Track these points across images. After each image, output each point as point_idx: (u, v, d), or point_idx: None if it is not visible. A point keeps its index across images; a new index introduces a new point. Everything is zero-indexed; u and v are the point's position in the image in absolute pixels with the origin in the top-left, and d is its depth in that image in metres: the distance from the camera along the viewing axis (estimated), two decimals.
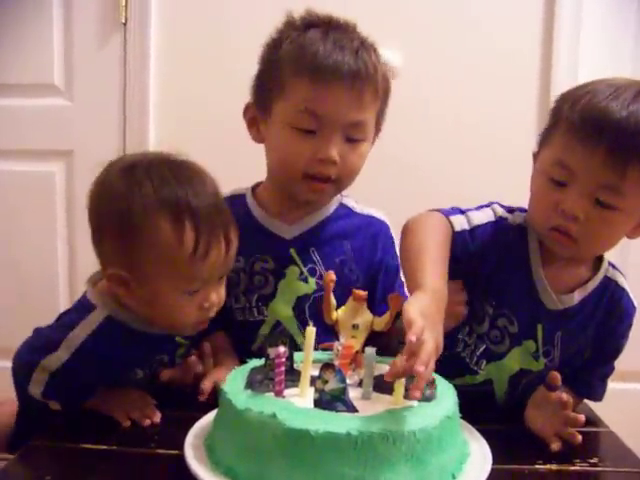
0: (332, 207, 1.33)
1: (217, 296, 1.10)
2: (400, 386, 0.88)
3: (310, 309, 1.25)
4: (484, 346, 1.17)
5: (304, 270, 1.28)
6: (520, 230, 1.16)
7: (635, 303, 1.19)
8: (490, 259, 1.14)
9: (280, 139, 1.22)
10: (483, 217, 1.16)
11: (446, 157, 2.17)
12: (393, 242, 1.35)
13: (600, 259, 1.17)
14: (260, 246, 1.28)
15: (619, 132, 0.98)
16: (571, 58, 2.14)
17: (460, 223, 1.13)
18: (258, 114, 1.28)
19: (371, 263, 1.33)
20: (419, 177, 2.17)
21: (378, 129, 1.29)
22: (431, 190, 2.12)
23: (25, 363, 1.10)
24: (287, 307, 1.27)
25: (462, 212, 1.16)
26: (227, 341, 1.32)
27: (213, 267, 1.04)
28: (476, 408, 0.99)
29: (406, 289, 1.33)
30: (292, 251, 1.28)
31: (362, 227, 1.34)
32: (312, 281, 1.28)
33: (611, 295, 1.17)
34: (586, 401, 1.25)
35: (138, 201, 1.01)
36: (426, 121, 2.18)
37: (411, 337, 0.81)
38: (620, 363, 2.12)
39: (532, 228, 1.15)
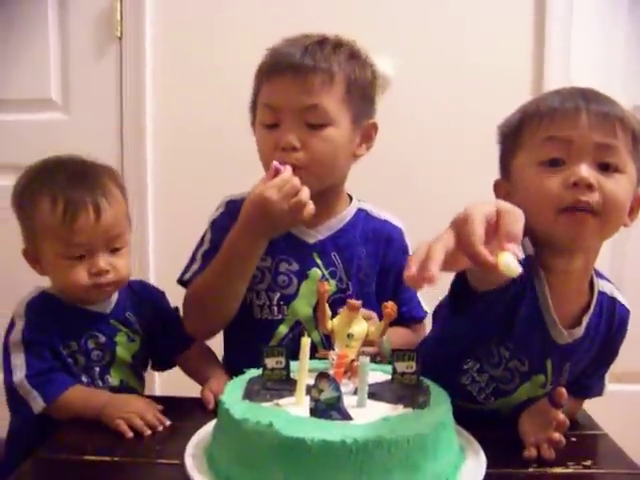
0: (352, 212, 1.40)
1: (106, 263, 1.23)
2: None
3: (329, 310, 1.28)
4: (494, 385, 1.15)
5: (325, 272, 1.34)
6: (527, 262, 1.07)
7: (627, 305, 1.19)
8: (513, 298, 1.07)
9: (257, 139, 1.33)
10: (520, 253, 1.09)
11: (444, 159, 2.20)
12: (407, 248, 1.41)
13: (591, 279, 1.14)
14: (285, 249, 1.34)
15: (600, 100, 1.03)
16: (564, 58, 2.18)
17: None
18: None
19: (383, 266, 1.39)
20: (416, 179, 2.20)
21: (361, 120, 1.32)
22: (429, 191, 2.16)
23: (4, 351, 1.24)
24: (307, 307, 1.32)
25: None
26: (205, 350, 1.39)
27: (85, 232, 1.20)
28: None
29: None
30: (315, 255, 1.34)
31: (377, 231, 1.40)
32: (333, 283, 1.33)
33: (607, 310, 1.16)
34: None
35: (28, 191, 1.26)
36: (423, 124, 2.22)
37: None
38: (616, 365, 2.14)
39: (535, 232, 1.06)
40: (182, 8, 2.25)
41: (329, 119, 1.26)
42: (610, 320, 1.16)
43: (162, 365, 1.45)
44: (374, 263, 1.37)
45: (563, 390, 1.03)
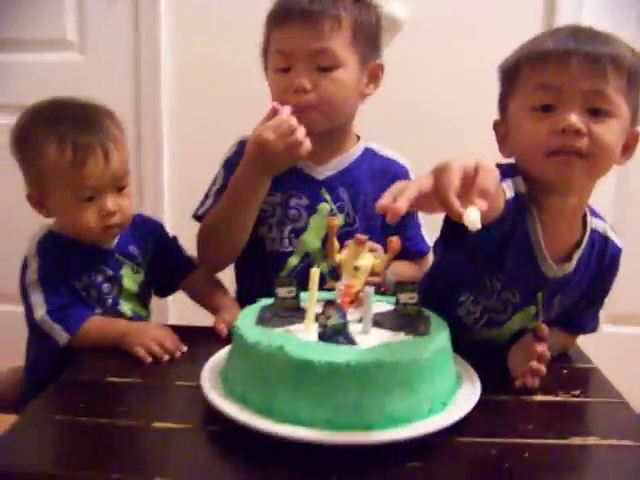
0: (359, 151, 1.46)
1: (114, 205, 1.27)
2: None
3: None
4: (488, 315, 1.21)
5: (334, 207, 1.41)
6: (521, 200, 1.13)
7: (619, 244, 1.23)
8: (504, 234, 1.13)
9: (270, 83, 1.38)
10: (508, 190, 1.10)
11: (453, 100, 2.21)
12: None
13: (584, 216, 1.19)
14: (295, 185, 1.41)
15: (594, 40, 1.06)
16: None
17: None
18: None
19: None
20: (425, 120, 2.22)
21: (369, 61, 1.37)
22: (437, 132, 2.19)
23: (22, 290, 1.30)
24: (317, 240, 1.39)
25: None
26: (210, 276, 1.47)
27: (94, 175, 1.24)
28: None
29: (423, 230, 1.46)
30: (323, 190, 1.41)
31: (384, 169, 1.46)
32: (340, 217, 1.40)
33: (598, 246, 1.20)
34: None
35: (32, 136, 1.26)
36: (432, 67, 2.23)
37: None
38: (614, 307, 2.20)
39: (529, 173, 1.11)
40: None
41: (338, 62, 1.31)
42: (601, 257, 1.21)
43: (165, 291, 1.52)
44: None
45: (544, 326, 1.10)
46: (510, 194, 1.06)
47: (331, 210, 1.40)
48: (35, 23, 2.29)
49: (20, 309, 1.32)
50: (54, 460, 0.87)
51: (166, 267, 1.45)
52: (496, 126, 1.20)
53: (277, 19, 1.34)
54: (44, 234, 1.33)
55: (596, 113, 1.04)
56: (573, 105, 1.04)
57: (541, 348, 1.08)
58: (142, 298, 1.43)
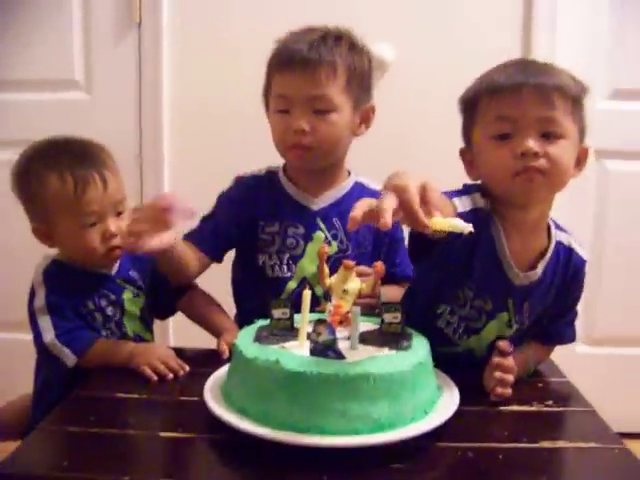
0: (350, 185, 1.58)
1: (116, 227, 1.37)
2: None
3: (332, 267, 1.38)
4: (464, 324, 1.31)
5: (328, 235, 1.52)
6: (485, 215, 1.25)
7: (583, 255, 1.33)
8: (466, 247, 1.24)
9: (271, 123, 1.50)
10: (463, 205, 1.23)
11: (438, 137, 2.28)
12: None
13: (549, 227, 1.30)
14: (292, 215, 1.52)
15: (540, 73, 1.19)
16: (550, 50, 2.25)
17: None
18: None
19: (378, 231, 1.49)
20: (417, 161, 2.30)
21: (361, 105, 1.49)
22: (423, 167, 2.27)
23: (30, 316, 1.37)
24: (313, 265, 1.49)
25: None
26: (209, 298, 1.57)
27: (96, 201, 1.34)
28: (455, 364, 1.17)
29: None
30: (318, 220, 1.52)
31: None
32: (334, 244, 1.52)
33: (563, 257, 1.30)
34: (553, 356, 1.41)
35: (34, 172, 1.36)
36: (421, 109, 2.32)
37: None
38: (594, 330, 2.29)
39: (494, 191, 1.23)
40: None
41: (333, 106, 1.43)
42: (566, 267, 1.31)
43: (164, 313, 1.61)
44: (370, 228, 1.51)
45: (505, 342, 1.22)
46: (463, 208, 1.20)
47: (326, 238, 1.51)
48: (44, 64, 2.39)
49: (23, 337, 1.40)
50: (69, 465, 0.95)
51: (162, 288, 1.53)
52: (462, 153, 1.32)
53: (279, 65, 1.45)
54: (49, 263, 1.41)
55: (549, 136, 1.17)
56: (529, 131, 1.17)
57: (498, 359, 1.19)
58: (145, 321, 1.51)
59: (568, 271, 1.32)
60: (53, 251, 1.43)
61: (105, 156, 1.41)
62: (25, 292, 1.40)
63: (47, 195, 1.34)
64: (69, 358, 1.32)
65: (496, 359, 1.20)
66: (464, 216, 1.11)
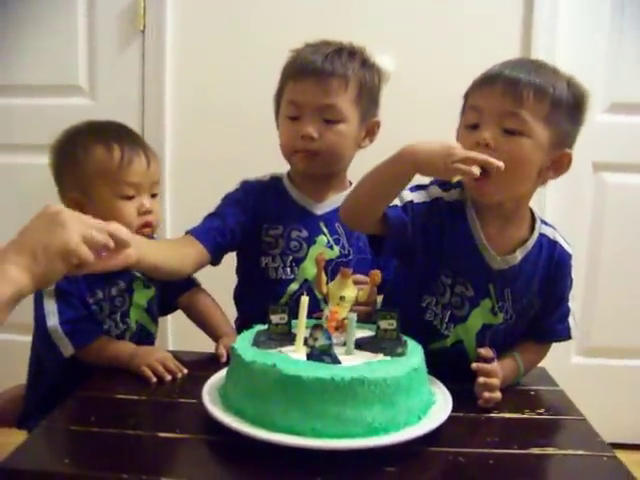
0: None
1: (150, 204, 1.43)
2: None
3: (333, 271, 1.44)
4: (449, 312, 1.33)
5: (330, 239, 1.55)
6: (458, 204, 1.32)
7: (568, 249, 1.36)
8: (433, 235, 1.29)
9: (280, 128, 1.55)
10: (418, 197, 1.30)
11: None
12: None
13: (534, 220, 1.34)
14: (296, 219, 1.56)
15: (529, 70, 1.22)
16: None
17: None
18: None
19: None
20: None
21: (367, 118, 1.54)
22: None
23: (35, 297, 1.38)
24: (315, 268, 1.48)
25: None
26: (210, 301, 1.59)
27: (138, 174, 1.41)
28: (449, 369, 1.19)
29: None
30: (321, 224, 1.56)
31: None
32: (336, 249, 1.55)
33: (547, 250, 1.33)
34: (547, 366, 1.43)
35: (80, 142, 1.42)
36: (420, 116, 2.30)
37: None
38: (588, 340, 2.30)
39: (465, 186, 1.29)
40: (202, 4, 2.39)
41: (342, 117, 1.48)
42: (549, 259, 1.34)
43: (165, 308, 1.63)
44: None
45: (487, 348, 1.25)
46: (419, 200, 1.29)
47: (328, 242, 1.54)
48: (49, 69, 2.42)
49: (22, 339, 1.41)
50: (70, 462, 0.97)
51: (165, 283, 1.55)
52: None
53: (293, 73, 1.50)
54: None
55: (511, 132, 1.20)
56: (489, 124, 1.21)
57: (477, 364, 1.21)
58: (151, 313, 1.53)
59: (551, 263, 1.34)
60: None
61: (143, 141, 1.49)
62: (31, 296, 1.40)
63: (91, 164, 1.39)
64: (67, 349, 1.35)
65: (475, 364, 1.22)
66: (420, 207, 1.27)
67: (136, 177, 1.40)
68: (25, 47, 2.42)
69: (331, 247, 1.54)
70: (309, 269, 1.52)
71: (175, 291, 1.57)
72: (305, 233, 1.55)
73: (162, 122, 2.41)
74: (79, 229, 0.99)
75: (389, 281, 1.51)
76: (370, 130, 1.57)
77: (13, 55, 2.43)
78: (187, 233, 1.52)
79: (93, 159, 1.39)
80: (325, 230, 1.55)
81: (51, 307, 1.36)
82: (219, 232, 1.52)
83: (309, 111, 1.47)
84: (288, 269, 1.54)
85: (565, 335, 1.39)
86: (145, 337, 1.52)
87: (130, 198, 1.40)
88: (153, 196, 1.45)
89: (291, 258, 1.54)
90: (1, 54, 2.44)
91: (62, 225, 0.98)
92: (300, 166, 1.54)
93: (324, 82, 1.46)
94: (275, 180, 1.61)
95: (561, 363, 1.46)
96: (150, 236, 1.47)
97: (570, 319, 1.38)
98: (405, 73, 2.07)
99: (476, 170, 1.10)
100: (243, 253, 1.61)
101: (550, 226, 1.37)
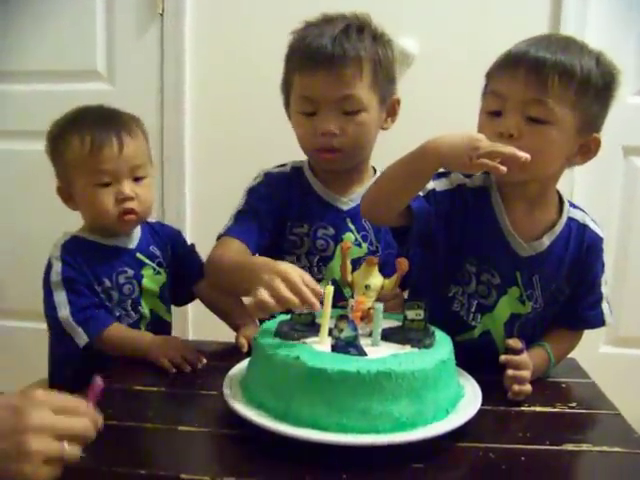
0: None
1: (131, 190, 1.38)
2: None
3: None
4: (476, 302, 1.29)
5: (358, 237, 1.48)
6: (481, 190, 1.28)
7: (599, 232, 1.31)
8: (456, 223, 1.26)
9: (295, 124, 1.45)
10: (440, 185, 1.26)
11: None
12: None
13: (562, 203, 1.29)
14: (322, 216, 1.48)
15: (557, 49, 1.15)
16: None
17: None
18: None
19: None
20: None
21: (387, 99, 1.46)
22: None
23: (45, 290, 1.39)
24: None
25: None
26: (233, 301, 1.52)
27: (111, 160, 1.36)
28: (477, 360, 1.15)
29: None
30: (348, 220, 1.48)
31: None
32: (365, 246, 1.48)
33: (576, 234, 1.29)
34: (575, 355, 1.39)
35: (60, 133, 1.41)
36: (444, 101, 2.26)
37: None
38: (618, 330, 2.25)
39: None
40: None
41: (362, 105, 1.39)
42: (579, 243, 1.29)
43: (181, 297, 1.60)
44: None
45: (515, 339, 1.21)
46: (442, 188, 1.25)
47: (355, 239, 1.47)
48: (67, 55, 2.41)
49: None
50: (86, 457, 0.93)
51: (181, 270, 1.53)
52: None
53: (301, 65, 1.39)
54: (68, 238, 1.43)
55: (535, 120, 1.15)
56: (513, 112, 1.16)
57: (506, 356, 1.17)
58: (165, 301, 1.51)
59: (581, 247, 1.29)
60: (74, 229, 1.45)
61: (131, 120, 1.44)
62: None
63: (69, 154, 1.38)
64: (82, 338, 1.34)
65: (504, 356, 1.18)
66: (440, 195, 1.24)
67: (108, 164, 1.36)
68: (42, 32, 2.41)
69: (359, 245, 1.47)
70: (337, 269, 1.43)
71: (190, 278, 1.55)
72: (332, 230, 1.48)
73: (182, 107, 2.39)
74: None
75: (412, 276, 1.49)
76: (391, 110, 1.49)
77: (30, 40, 2.42)
78: (224, 234, 1.42)
79: (70, 149, 1.38)
80: (352, 227, 1.48)
81: (61, 298, 1.36)
82: (259, 232, 1.44)
83: (325, 105, 1.37)
84: (315, 269, 1.47)
85: (599, 322, 1.34)
86: (160, 326, 1.49)
87: (107, 185, 1.38)
88: (137, 180, 1.41)
89: (318, 258, 1.47)
90: (20, 40, 2.43)
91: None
92: (323, 166, 1.47)
93: (337, 71, 1.34)
94: (296, 171, 1.52)
95: (589, 353, 1.41)
96: (135, 223, 1.44)
97: (604, 305, 1.34)
98: (430, 52, 2.04)
99: (503, 168, 1.05)
100: (264, 252, 1.45)
101: (580, 209, 1.32)
